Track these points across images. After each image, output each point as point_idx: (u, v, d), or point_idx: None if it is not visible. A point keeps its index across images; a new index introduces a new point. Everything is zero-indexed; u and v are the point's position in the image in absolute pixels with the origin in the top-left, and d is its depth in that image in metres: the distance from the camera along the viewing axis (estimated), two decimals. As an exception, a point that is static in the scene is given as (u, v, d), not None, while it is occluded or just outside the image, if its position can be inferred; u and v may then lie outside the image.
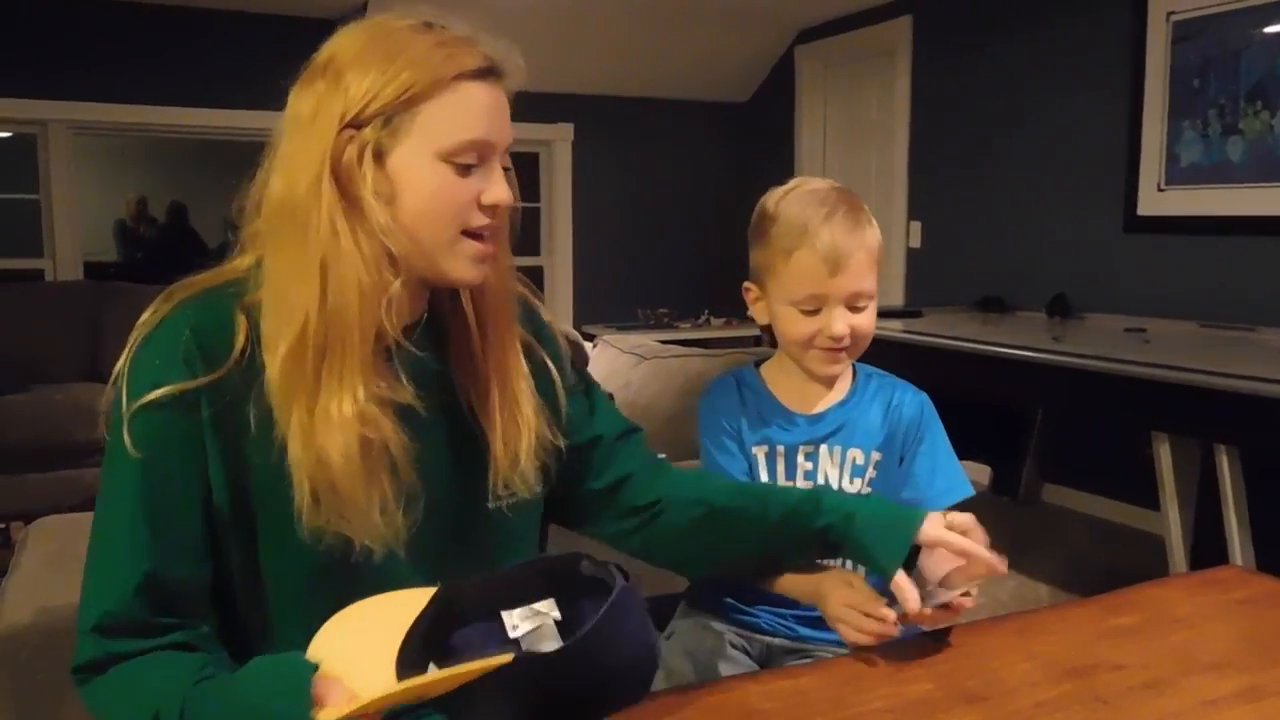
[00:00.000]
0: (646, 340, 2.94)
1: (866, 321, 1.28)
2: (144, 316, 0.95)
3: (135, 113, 4.94)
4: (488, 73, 0.96)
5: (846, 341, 1.27)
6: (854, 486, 1.31)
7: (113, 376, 0.93)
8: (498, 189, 0.97)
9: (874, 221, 1.29)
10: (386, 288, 0.92)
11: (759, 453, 1.32)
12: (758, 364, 1.40)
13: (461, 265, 0.97)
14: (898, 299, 5.08)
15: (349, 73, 0.92)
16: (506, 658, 0.77)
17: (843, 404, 1.33)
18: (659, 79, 5.96)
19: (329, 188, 0.91)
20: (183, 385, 0.90)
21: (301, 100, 0.94)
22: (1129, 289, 3.96)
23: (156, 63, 4.93)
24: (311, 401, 0.90)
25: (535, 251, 6.08)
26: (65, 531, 1.91)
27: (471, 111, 0.94)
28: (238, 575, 0.95)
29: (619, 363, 2.73)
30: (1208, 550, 2.63)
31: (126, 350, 0.93)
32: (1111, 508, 4.08)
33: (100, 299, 4.48)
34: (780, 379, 1.36)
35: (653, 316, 6.08)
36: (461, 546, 1.04)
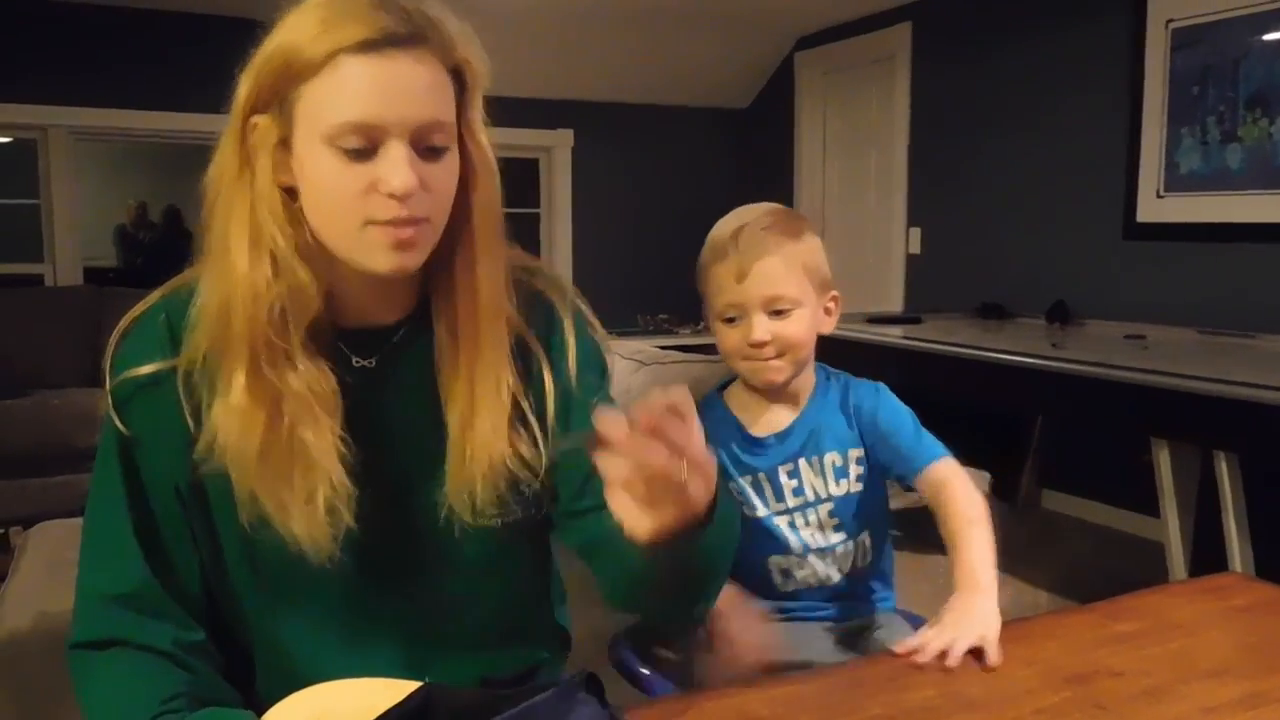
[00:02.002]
0: (646, 346, 2.93)
1: (791, 328, 1.29)
2: None
3: (135, 118, 4.95)
4: (382, 44, 0.84)
5: (770, 350, 1.28)
6: (841, 489, 1.33)
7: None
8: (395, 176, 0.85)
9: (806, 235, 1.31)
10: (277, 279, 0.87)
11: (745, 482, 1.35)
12: (722, 387, 1.42)
13: (374, 256, 0.88)
14: (897, 305, 5.08)
15: (261, 53, 0.87)
16: None
17: (804, 415, 1.35)
18: (659, 85, 5.97)
19: (232, 175, 0.89)
20: (157, 365, 0.92)
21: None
22: (1128, 296, 3.96)
23: (157, 68, 4.93)
24: (219, 391, 0.90)
25: (535, 256, 6.09)
26: (64, 537, 1.90)
27: (349, 90, 0.84)
28: (209, 568, 0.96)
29: (618, 368, 2.71)
30: (1207, 557, 2.63)
31: (113, 336, 0.95)
32: (1111, 514, 4.08)
33: (100, 304, 4.47)
34: (744, 400, 1.38)
35: (652, 322, 6.08)
36: (411, 559, 1.00)
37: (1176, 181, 3.80)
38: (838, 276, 1.37)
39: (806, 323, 1.30)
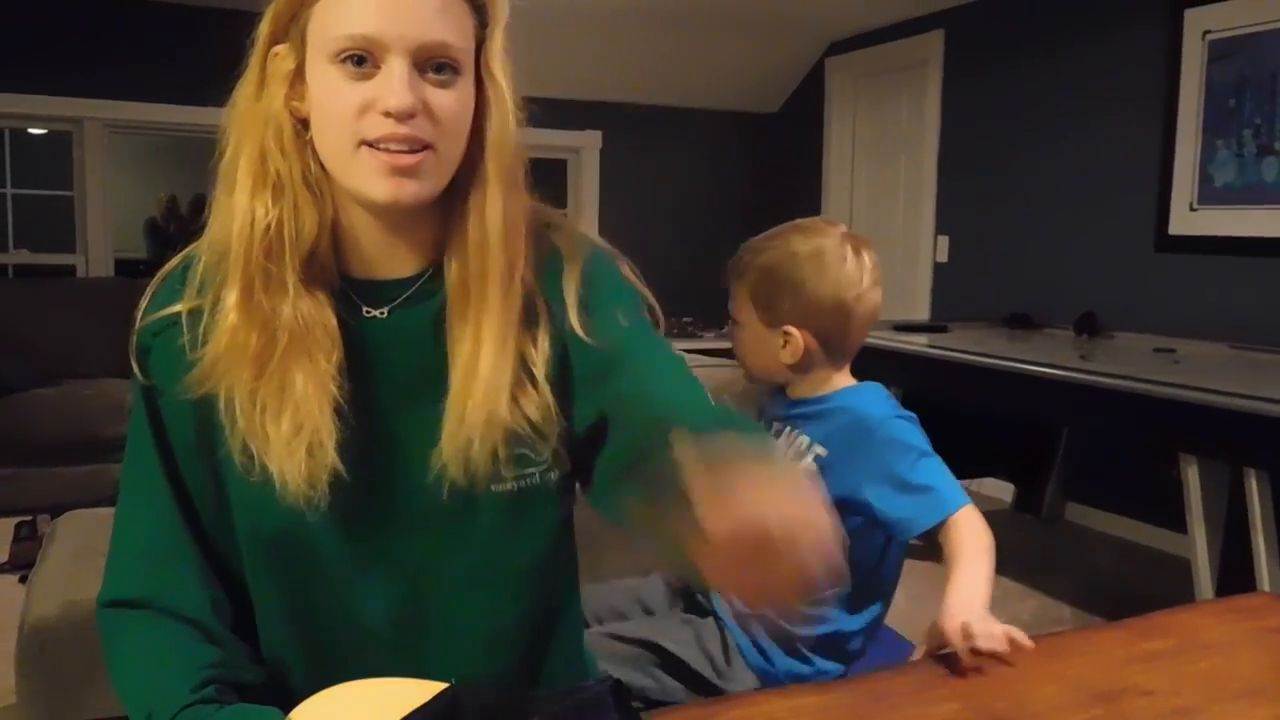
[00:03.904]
0: (671, 349, 2.93)
1: None
2: None
3: (169, 112, 5.01)
4: None
5: None
6: None
7: None
8: (391, 93, 0.83)
9: None
10: (274, 205, 0.88)
11: None
12: None
13: (369, 181, 0.86)
14: (923, 313, 5.05)
15: None
16: None
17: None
18: (689, 88, 5.97)
19: (248, 104, 0.89)
20: (173, 309, 0.93)
21: None
22: (1159, 308, 3.92)
23: (191, 63, 4.97)
24: (215, 315, 0.90)
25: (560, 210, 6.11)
26: (92, 525, 1.92)
27: (349, 5, 0.84)
28: (219, 515, 0.94)
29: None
30: (1234, 575, 2.59)
31: (146, 291, 0.98)
32: (1136, 529, 4.03)
33: (131, 295, 4.36)
34: None
35: (677, 325, 6.07)
36: (398, 516, 0.94)
37: (1211, 194, 3.76)
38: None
39: None
